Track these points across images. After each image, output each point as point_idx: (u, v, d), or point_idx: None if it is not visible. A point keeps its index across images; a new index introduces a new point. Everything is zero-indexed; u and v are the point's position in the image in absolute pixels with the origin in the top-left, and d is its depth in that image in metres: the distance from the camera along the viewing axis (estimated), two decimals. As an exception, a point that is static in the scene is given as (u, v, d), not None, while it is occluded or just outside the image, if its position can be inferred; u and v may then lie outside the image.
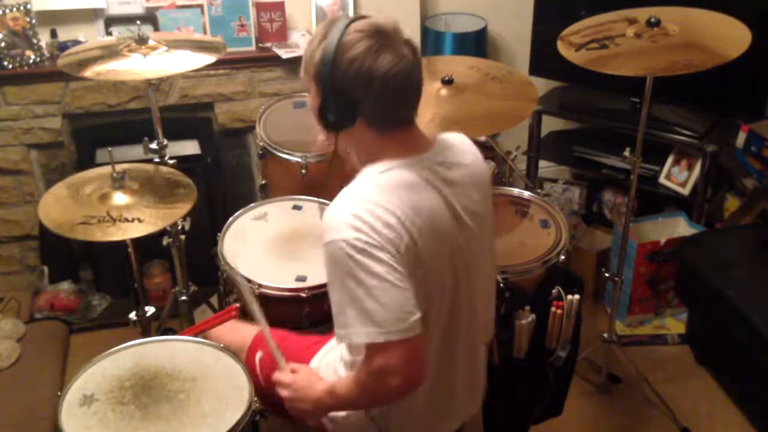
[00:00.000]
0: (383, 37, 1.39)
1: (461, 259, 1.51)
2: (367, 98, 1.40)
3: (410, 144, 1.48)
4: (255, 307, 1.67)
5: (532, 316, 2.10)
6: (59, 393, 1.69)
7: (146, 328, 2.30)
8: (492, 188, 1.67)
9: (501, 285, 2.08)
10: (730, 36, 2.15)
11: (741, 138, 2.95)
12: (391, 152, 1.46)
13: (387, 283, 1.34)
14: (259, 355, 1.84)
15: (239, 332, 1.93)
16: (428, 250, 1.41)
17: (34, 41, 2.94)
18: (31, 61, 2.94)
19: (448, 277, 1.49)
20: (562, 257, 2.20)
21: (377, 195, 1.39)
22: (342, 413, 1.62)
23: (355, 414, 1.60)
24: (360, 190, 1.42)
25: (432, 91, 2.29)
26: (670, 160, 3.13)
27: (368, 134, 1.45)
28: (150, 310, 2.30)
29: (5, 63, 2.90)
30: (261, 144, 2.61)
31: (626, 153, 2.46)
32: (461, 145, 1.58)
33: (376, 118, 1.44)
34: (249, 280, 2.07)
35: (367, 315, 1.35)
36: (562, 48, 2.25)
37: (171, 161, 2.40)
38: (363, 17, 1.43)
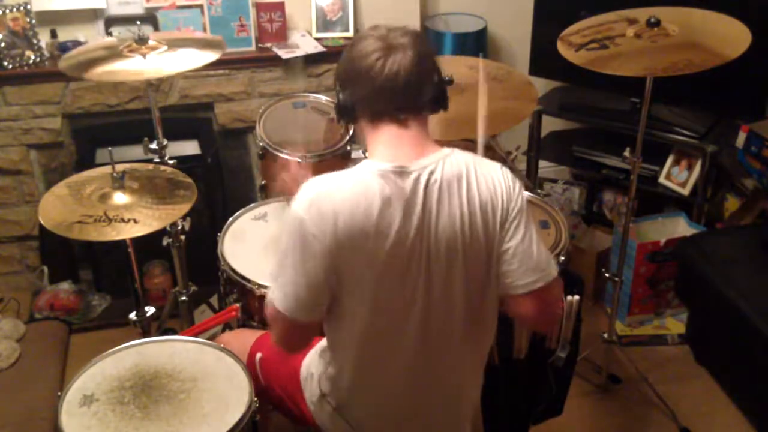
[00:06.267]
0: (378, 29, 1.47)
1: (426, 264, 1.47)
2: (353, 86, 1.49)
3: (397, 146, 1.47)
4: None
5: (532, 316, 2.10)
6: (59, 393, 1.69)
7: (146, 328, 2.30)
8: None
9: (501, 285, 2.08)
10: (730, 36, 2.15)
11: (741, 138, 2.95)
12: (379, 150, 1.48)
13: (300, 272, 1.43)
14: (258, 356, 1.86)
15: (240, 338, 1.96)
16: (362, 256, 1.43)
17: (34, 41, 2.93)
18: (31, 61, 2.94)
19: (407, 285, 1.47)
20: (562, 257, 2.20)
21: (342, 191, 1.42)
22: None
23: (329, 417, 1.64)
24: (339, 180, 1.44)
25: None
26: (670, 160, 3.13)
27: (363, 124, 1.53)
28: (150, 310, 2.30)
29: (5, 63, 2.90)
30: (261, 144, 2.61)
31: (626, 153, 2.46)
32: (476, 168, 1.58)
33: (362, 105, 1.50)
34: (249, 280, 2.08)
35: (274, 276, 1.49)
36: (562, 48, 2.25)
37: (171, 161, 2.40)
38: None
